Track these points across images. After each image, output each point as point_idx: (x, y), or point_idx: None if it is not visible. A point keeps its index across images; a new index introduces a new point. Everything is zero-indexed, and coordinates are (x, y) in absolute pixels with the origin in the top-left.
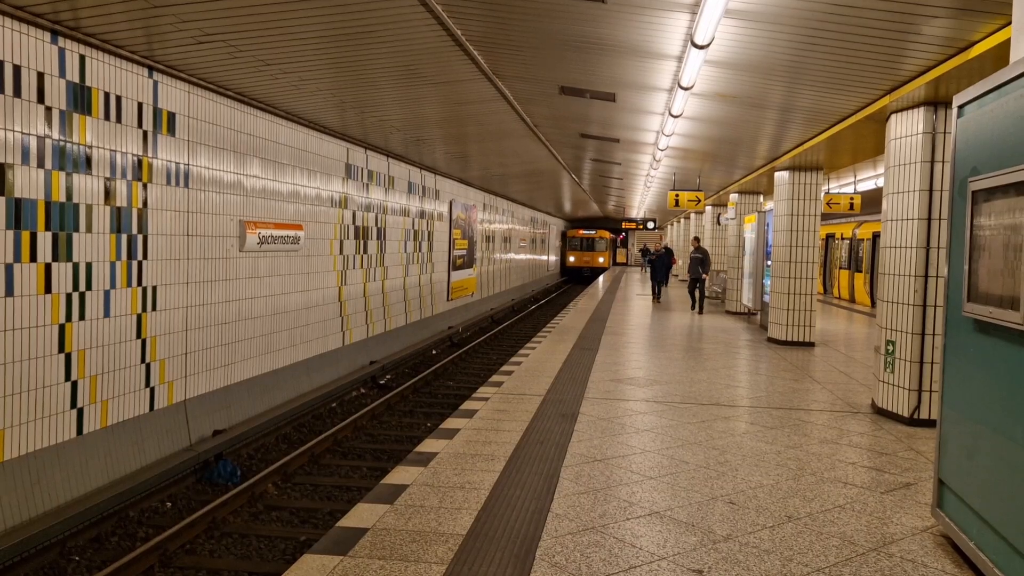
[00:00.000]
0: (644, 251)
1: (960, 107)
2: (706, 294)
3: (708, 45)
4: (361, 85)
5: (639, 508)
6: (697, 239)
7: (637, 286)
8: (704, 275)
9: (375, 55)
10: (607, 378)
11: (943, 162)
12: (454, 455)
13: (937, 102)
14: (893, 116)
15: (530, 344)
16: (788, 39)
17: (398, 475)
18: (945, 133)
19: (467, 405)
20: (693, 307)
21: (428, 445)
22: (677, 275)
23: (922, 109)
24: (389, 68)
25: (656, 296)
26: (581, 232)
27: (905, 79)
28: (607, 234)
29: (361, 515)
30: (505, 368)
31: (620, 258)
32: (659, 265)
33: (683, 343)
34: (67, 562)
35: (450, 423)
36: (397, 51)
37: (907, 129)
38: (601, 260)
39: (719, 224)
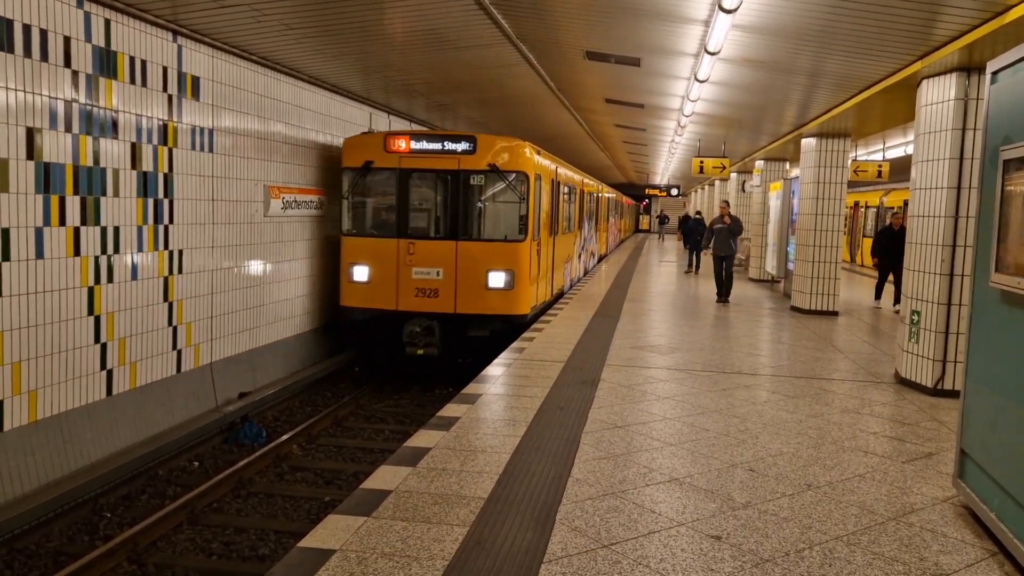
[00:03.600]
0: (661, 218)
1: (994, 73)
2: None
3: (736, 9)
4: (384, 50)
5: (659, 474)
6: (726, 204)
7: (659, 253)
8: (735, 252)
9: (398, 19)
10: (628, 345)
11: (975, 130)
12: (475, 420)
13: (970, 68)
14: (924, 82)
15: (551, 311)
16: (818, 2)
17: (420, 439)
18: (978, 100)
19: (489, 371)
20: (720, 298)
21: (450, 410)
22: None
23: (954, 75)
24: (413, 32)
25: (694, 267)
26: (402, 146)
27: (938, 44)
28: (527, 161)
29: (384, 477)
30: (526, 335)
31: (643, 224)
32: (692, 233)
33: (705, 311)
34: (99, 519)
35: (472, 388)
36: (421, 15)
37: (938, 95)
38: (496, 282)
39: (744, 191)
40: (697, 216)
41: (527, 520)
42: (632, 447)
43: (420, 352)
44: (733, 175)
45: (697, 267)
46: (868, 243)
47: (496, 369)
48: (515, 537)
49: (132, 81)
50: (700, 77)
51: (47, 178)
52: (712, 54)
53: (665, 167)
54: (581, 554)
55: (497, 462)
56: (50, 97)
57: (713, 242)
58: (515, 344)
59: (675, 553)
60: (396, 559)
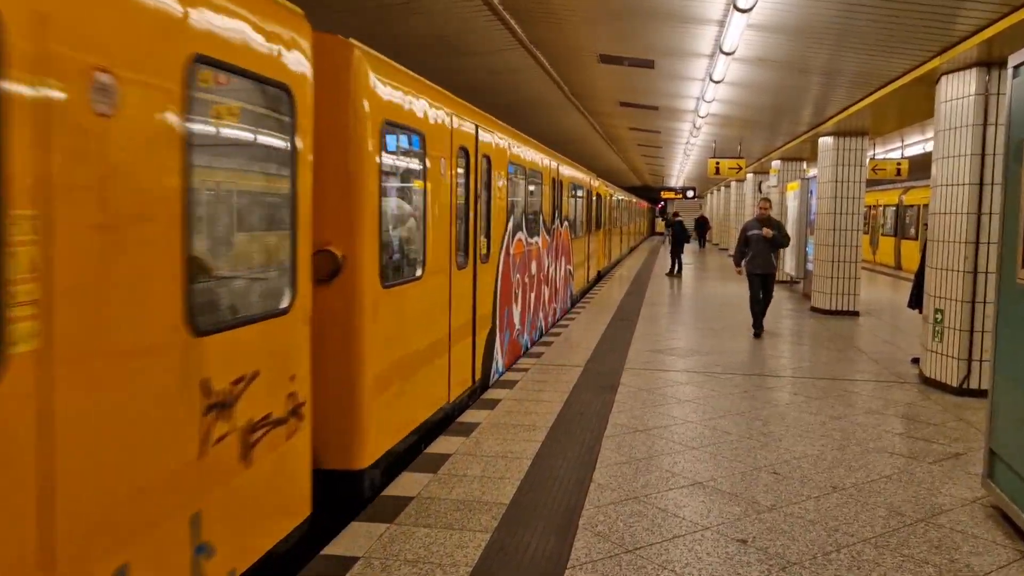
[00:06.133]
0: (668, 221)
1: (1016, 67)
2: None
3: (751, 8)
4: (396, 58)
5: (682, 478)
6: (768, 202)
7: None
8: (776, 268)
9: (412, 26)
10: (647, 349)
11: (996, 125)
12: (495, 425)
13: (991, 63)
14: (944, 78)
15: (569, 315)
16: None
17: (441, 445)
18: (999, 95)
19: (507, 376)
20: (758, 332)
21: (469, 415)
22: (717, 244)
23: (975, 70)
24: (425, 38)
25: (672, 270)
26: None
27: (957, 39)
28: None
29: (405, 484)
30: (544, 339)
31: (660, 227)
32: (678, 236)
33: (724, 313)
34: None
35: (491, 394)
36: (433, 22)
37: (959, 91)
38: None
39: (760, 192)
40: (677, 219)
41: (550, 525)
42: (654, 451)
43: None
44: (749, 176)
45: (673, 270)
46: (888, 243)
47: (515, 375)
48: (538, 543)
49: None
50: (715, 78)
51: None
52: (727, 54)
53: (680, 169)
54: (605, 559)
55: (518, 467)
56: None
57: (748, 256)
58: (534, 349)
59: (700, 557)
60: (419, 566)
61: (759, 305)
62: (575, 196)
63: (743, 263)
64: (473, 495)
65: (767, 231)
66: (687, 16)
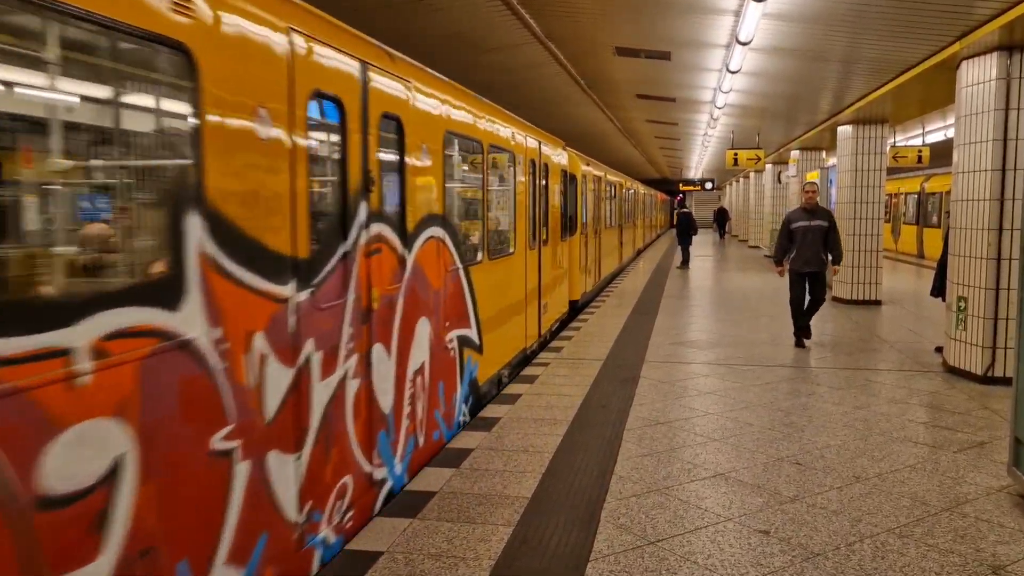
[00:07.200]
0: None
1: None
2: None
3: None
4: (412, 55)
5: (703, 470)
6: (814, 186)
7: (697, 247)
8: (828, 265)
9: (429, 23)
10: (667, 341)
11: (1019, 109)
12: (517, 419)
13: (1012, 46)
14: (964, 63)
15: (589, 309)
16: None
17: (462, 440)
18: (1020, 79)
19: (527, 370)
20: (799, 341)
21: (490, 410)
22: (736, 235)
23: (996, 55)
24: (441, 36)
25: (683, 262)
26: None
27: (977, 23)
28: None
29: (428, 479)
30: (564, 333)
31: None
32: (684, 229)
33: (744, 305)
34: None
35: (511, 388)
36: (451, 19)
37: (979, 76)
38: None
39: (780, 182)
40: (684, 210)
41: (572, 519)
42: (675, 443)
43: None
44: (768, 166)
45: (685, 262)
46: (910, 231)
47: (536, 369)
48: (561, 535)
49: None
50: (732, 68)
51: None
52: (744, 44)
53: (698, 161)
54: (628, 551)
55: (540, 461)
56: None
57: (793, 252)
58: (553, 343)
59: (723, 548)
60: (443, 560)
61: (802, 309)
62: (494, 175)
63: (785, 260)
64: (495, 489)
65: (814, 220)
66: (703, 7)
